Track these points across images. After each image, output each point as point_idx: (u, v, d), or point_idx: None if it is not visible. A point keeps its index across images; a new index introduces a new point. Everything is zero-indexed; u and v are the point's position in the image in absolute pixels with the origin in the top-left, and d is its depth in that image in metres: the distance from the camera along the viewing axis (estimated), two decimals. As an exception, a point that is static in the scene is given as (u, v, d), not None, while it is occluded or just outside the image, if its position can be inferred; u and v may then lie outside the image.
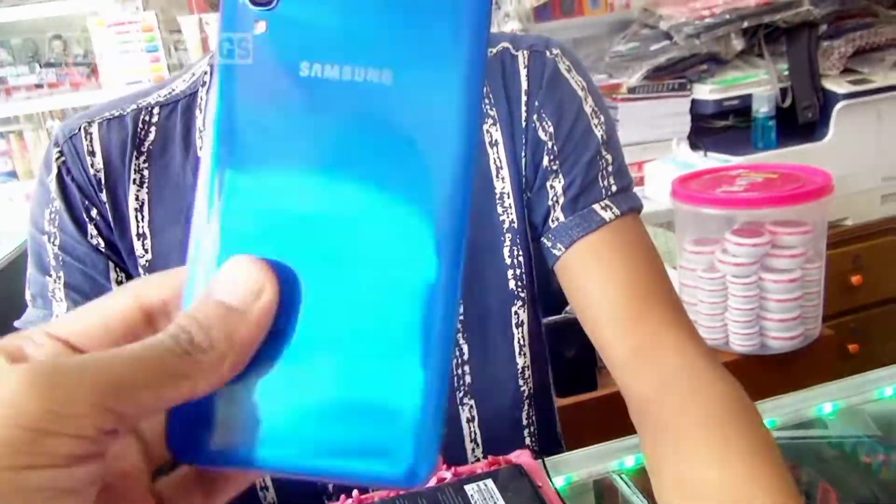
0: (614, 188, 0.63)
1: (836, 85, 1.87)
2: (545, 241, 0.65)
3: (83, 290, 0.61)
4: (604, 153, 0.64)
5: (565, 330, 1.16)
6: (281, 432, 0.19)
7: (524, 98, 0.63)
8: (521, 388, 0.68)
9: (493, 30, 2.52)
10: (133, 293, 0.21)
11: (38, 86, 2.40)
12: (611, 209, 0.62)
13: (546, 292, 0.76)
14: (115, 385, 0.17)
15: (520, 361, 0.67)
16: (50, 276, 0.61)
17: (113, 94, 2.37)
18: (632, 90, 2.05)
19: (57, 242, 0.61)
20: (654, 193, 1.97)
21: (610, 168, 0.64)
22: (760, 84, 1.98)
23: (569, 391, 1.20)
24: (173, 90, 0.65)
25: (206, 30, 2.39)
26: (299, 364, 0.20)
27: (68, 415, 0.16)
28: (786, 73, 1.97)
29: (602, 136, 0.64)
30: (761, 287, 1.17)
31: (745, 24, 2.00)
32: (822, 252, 1.21)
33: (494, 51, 0.65)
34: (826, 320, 1.30)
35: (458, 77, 0.20)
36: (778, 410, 0.72)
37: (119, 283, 0.62)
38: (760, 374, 1.20)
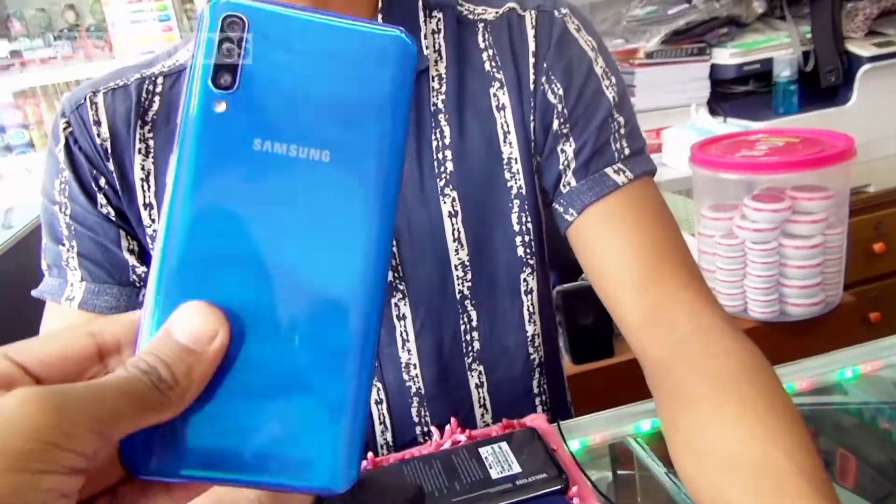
0: (627, 151, 0.62)
1: (860, 48, 1.82)
2: (557, 206, 0.63)
3: (96, 259, 0.61)
4: (616, 115, 0.62)
5: (581, 297, 1.15)
6: (217, 448, 0.23)
7: (532, 60, 0.61)
8: (532, 356, 0.67)
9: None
10: (91, 331, 0.24)
11: (53, 57, 2.40)
12: (623, 173, 0.61)
13: (561, 259, 0.75)
14: (107, 414, 0.20)
15: (529, 329, 0.66)
16: (63, 245, 0.62)
17: (126, 63, 2.37)
18: (649, 55, 2.00)
19: (68, 212, 0.61)
20: (673, 161, 1.94)
21: (622, 130, 0.62)
22: (782, 47, 1.93)
23: (585, 358, 1.20)
24: (177, 60, 0.64)
25: (218, -2, 2.37)
26: (236, 392, 0.23)
27: (73, 435, 0.19)
28: (808, 35, 1.92)
29: (614, 97, 0.62)
30: (781, 253, 1.15)
31: (768, -14, 1.95)
32: (843, 218, 1.19)
33: (500, 11, 0.64)
34: (847, 288, 1.28)
35: (380, 156, 0.25)
36: (797, 375, 0.71)
37: (131, 251, 0.62)
38: (780, 341, 1.18)
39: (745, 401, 0.48)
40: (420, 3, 0.63)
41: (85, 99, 0.62)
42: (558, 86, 0.61)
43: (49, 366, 0.22)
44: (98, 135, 0.60)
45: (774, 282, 1.17)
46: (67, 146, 0.61)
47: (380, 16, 0.60)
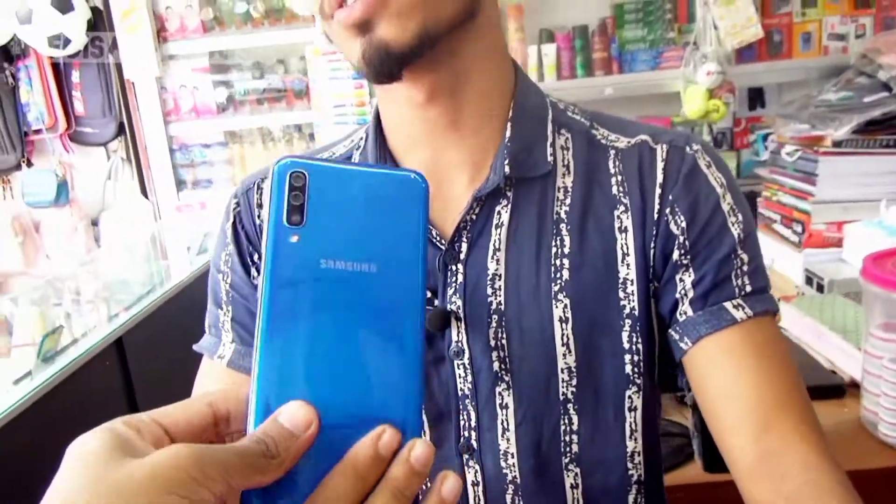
0: (748, 288, 0.61)
1: None
2: (672, 333, 0.63)
3: (245, 325, 0.69)
4: (740, 252, 0.62)
5: (721, 403, 1.09)
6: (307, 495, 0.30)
7: (658, 190, 0.63)
8: (630, 472, 0.66)
9: (689, 69, 2.43)
10: (210, 402, 0.33)
11: (260, 104, 2.70)
12: (743, 309, 0.60)
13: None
14: (229, 467, 0.29)
15: (629, 445, 0.65)
16: (221, 309, 0.70)
17: (321, 114, 2.61)
18: (837, 143, 1.88)
19: (229, 281, 0.70)
20: (854, 258, 1.80)
21: (745, 268, 0.62)
22: None
23: (718, 467, 1.13)
24: (333, 153, 0.72)
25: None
26: (321, 458, 0.31)
27: (207, 476, 0.28)
28: None
29: (739, 234, 0.62)
30: (961, 388, 1.03)
31: None
32: None
33: (632, 142, 0.65)
34: None
35: (409, 265, 0.33)
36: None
37: None
38: (949, 486, 1.05)
39: None
40: (549, 118, 0.67)
41: (254, 184, 0.70)
42: (682, 218, 0.62)
43: (181, 429, 0.32)
44: (259, 216, 0.69)
45: (950, 419, 1.04)
46: (234, 224, 0.69)
47: (509, 124, 0.64)
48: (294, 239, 0.32)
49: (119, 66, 2.62)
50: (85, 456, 0.28)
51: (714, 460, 1.15)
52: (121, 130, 2.71)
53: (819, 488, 0.53)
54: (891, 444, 1.10)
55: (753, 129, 2.59)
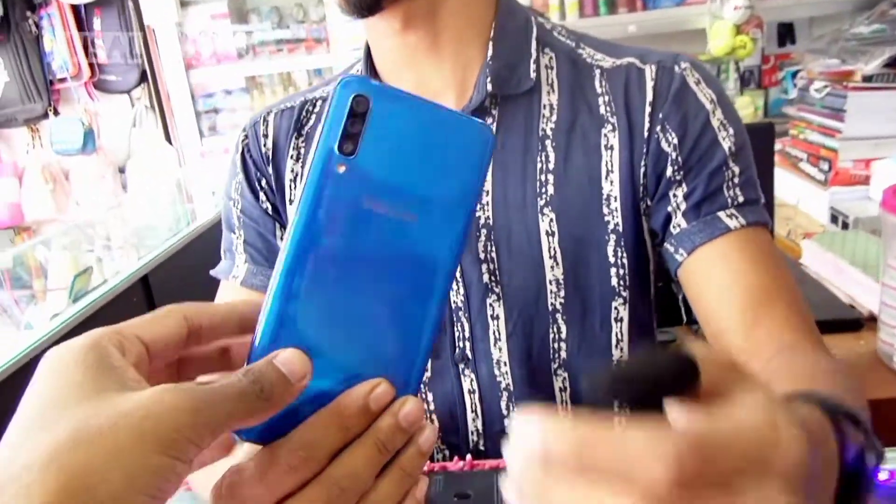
0: (741, 199, 0.63)
1: None
2: (668, 246, 0.65)
3: (256, 246, 0.73)
4: (731, 164, 0.63)
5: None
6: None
7: (648, 109, 0.64)
8: None
9: (715, 4, 2.36)
10: (185, 315, 0.32)
11: (279, 50, 2.69)
12: (736, 218, 0.62)
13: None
14: (225, 417, 0.27)
15: (616, 354, 0.69)
16: (234, 233, 0.74)
17: (340, 58, 2.59)
18: (867, 78, 1.82)
19: (239, 207, 0.74)
20: (880, 196, 1.76)
21: (737, 179, 0.63)
22: None
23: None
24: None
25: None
26: (311, 399, 0.30)
27: (201, 434, 0.26)
28: None
29: (730, 147, 0.63)
30: (980, 318, 1.02)
31: None
32: None
33: (619, 62, 0.66)
34: None
35: (451, 225, 0.30)
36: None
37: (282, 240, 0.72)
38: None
39: (809, 361, 0.52)
40: (533, 37, 0.68)
41: (261, 117, 0.74)
42: (673, 135, 0.63)
43: (158, 344, 0.31)
44: (264, 145, 0.72)
45: (968, 349, 1.04)
46: (243, 154, 0.73)
47: (490, 44, 0.65)
48: (341, 169, 0.29)
49: (139, 13, 2.62)
50: (68, 370, 0.27)
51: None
52: (143, 78, 2.72)
53: (804, 351, 0.55)
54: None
55: (782, 66, 2.51)
